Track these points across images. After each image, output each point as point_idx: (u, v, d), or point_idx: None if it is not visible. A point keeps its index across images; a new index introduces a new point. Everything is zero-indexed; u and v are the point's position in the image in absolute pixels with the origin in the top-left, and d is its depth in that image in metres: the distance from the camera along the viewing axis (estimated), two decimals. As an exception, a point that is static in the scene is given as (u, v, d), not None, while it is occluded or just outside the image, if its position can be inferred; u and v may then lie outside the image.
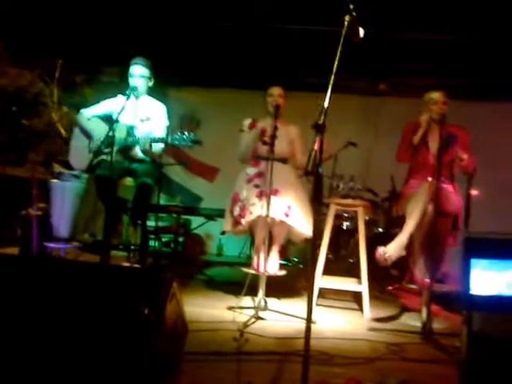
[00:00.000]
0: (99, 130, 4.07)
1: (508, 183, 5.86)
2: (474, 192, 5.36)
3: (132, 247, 4.58)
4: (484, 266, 2.60)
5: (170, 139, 3.85)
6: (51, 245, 4.97)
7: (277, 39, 5.42)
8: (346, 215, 5.67)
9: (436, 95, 3.94)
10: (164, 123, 4.17)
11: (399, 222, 3.89)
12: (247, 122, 4.25)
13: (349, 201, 4.20)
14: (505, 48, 5.14)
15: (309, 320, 2.04)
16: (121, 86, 4.24)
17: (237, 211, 3.98)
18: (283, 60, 5.93)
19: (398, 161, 4.10)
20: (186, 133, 3.79)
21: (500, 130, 6.26)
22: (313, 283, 3.75)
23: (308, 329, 2.02)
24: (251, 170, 4.13)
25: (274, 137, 3.68)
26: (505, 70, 5.61)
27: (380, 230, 5.76)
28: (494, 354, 1.93)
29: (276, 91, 4.12)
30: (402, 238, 3.62)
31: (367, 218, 5.22)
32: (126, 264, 4.28)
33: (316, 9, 4.55)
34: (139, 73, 4.11)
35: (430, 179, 3.70)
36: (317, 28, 4.89)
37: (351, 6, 2.49)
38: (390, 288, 4.80)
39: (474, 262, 2.58)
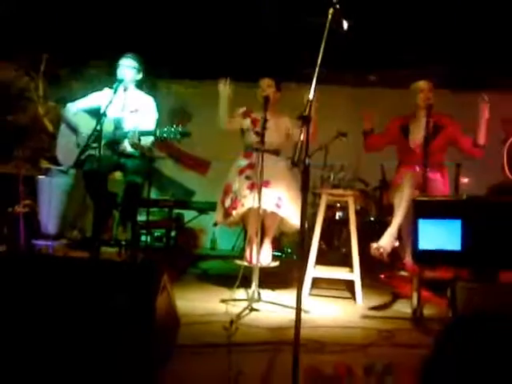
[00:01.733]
0: (86, 125, 4.03)
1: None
2: (464, 180, 5.39)
3: (123, 243, 4.56)
4: (429, 224, 2.80)
5: (158, 132, 3.84)
6: (39, 242, 4.91)
7: (271, 30, 5.41)
8: (338, 205, 5.68)
9: (422, 83, 4.01)
10: (153, 116, 4.16)
11: (390, 211, 3.92)
12: (242, 109, 4.25)
13: (339, 191, 4.22)
14: (495, 37, 5.15)
15: (299, 308, 2.04)
16: (109, 79, 4.22)
17: (228, 203, 3.99)
18: (277, 51, 5.91)
19: (365, 149, 4.26)
20: (174, 125, 3.79)
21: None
22: (304, 272, 3.81)
23: (298, 317, 2.03)
24: (243, 162, 4.13)
25: (264, 128, 3.69)
26: (493, 59, 5.63)
27: (372, 218, 5.78)
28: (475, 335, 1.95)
29: (265, 83, 4.10)
30: (391, 231, 3.68)
31: (358, 207, 5.23)
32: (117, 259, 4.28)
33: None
34: (127, 64, 4.10)
35: (417, 169, 3.74)
36: (311, 19, 4.87)
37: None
38: (382, 276, 4.83)
39: (420, 221, 2.78)
